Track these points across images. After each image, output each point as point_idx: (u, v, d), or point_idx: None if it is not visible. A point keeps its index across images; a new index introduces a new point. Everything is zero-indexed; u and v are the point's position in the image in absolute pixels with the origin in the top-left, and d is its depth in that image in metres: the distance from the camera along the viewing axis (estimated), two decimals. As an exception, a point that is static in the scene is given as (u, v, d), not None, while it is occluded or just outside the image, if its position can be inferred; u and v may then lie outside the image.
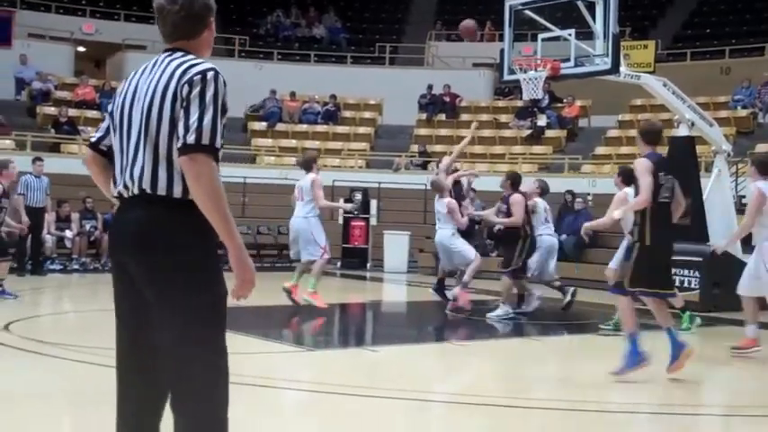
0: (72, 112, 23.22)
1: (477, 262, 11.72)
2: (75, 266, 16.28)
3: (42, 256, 15.74)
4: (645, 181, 7.19)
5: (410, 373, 7.88)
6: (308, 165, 11.72)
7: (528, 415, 6.42)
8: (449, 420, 6.05)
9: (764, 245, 8.66)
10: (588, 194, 18.64)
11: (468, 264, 11.68)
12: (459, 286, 11.75)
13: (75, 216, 17.01)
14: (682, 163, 13.29)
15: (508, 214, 11.27)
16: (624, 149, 22.85)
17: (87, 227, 17.00)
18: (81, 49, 28.15)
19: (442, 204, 11.73)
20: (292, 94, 25.76)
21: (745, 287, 8.89)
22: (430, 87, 26.17)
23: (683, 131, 13.77)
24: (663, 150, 9.83)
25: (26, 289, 12.97)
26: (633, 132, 23.45)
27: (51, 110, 23.16)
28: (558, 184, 17.14)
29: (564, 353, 9.57)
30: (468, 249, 11.81)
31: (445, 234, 11.72)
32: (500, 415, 6.26)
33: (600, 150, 23.14)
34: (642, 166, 7.28)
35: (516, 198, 11.25)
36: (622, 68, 12.91)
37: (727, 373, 8.69)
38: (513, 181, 11.48)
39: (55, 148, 21.57)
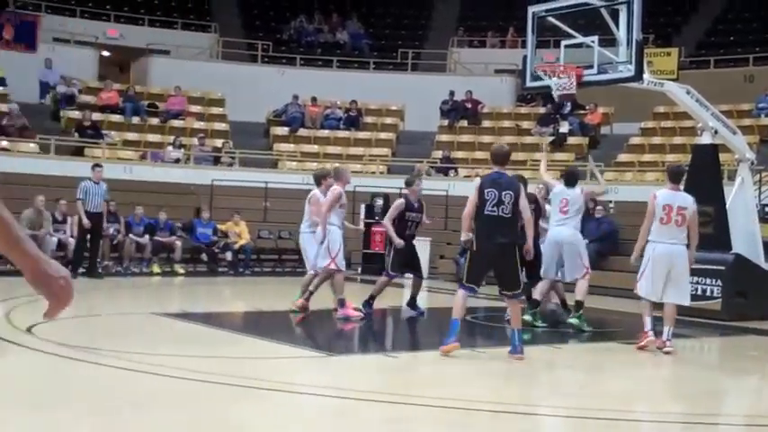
0: (96, 116, 23.42)
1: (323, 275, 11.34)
2: (99, 270, 16.24)
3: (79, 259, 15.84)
4: (470, 198, 8.46)
5: (431, 380, 7.86)
6: (317, 180, 12.02)
7: (551, 423, 6.38)
8: (472, 428, 6.03)
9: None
10: (610, 202, 18.56)
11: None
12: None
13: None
14: (705, 171, 13.25)
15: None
16: (647, 157, 22.77)
17: (111, 230, 17.02)
18: (105, 53, 28.34)
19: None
20: (314, 100, 25.82)
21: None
22: (452, 93, 26.16)
23: (706, 139, 13.68)
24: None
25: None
26: (656, 140, 23.53)
27: (75, 114, 23.35)
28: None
29: (585, 360, 9.50)
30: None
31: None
32: (525, 422, 6.23)
33: (622, 157, 23.05)
34: (474, 185, 8.55)
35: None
36: (645, 76, 12.85)
37: (752, 383, 8.62)
38: (406, 182, 12.45)
39: (78, 152, 21.74)
